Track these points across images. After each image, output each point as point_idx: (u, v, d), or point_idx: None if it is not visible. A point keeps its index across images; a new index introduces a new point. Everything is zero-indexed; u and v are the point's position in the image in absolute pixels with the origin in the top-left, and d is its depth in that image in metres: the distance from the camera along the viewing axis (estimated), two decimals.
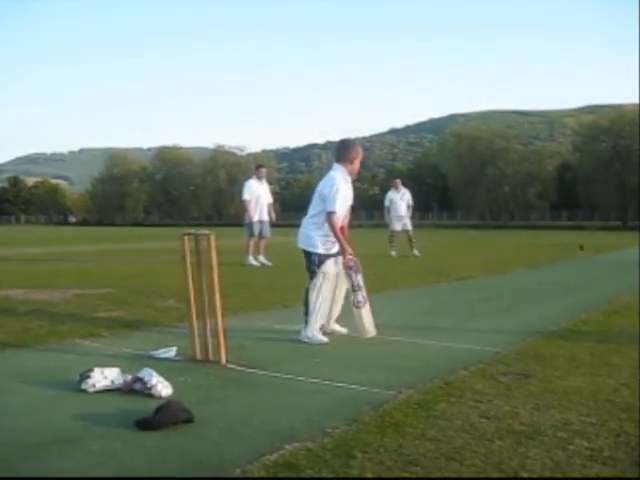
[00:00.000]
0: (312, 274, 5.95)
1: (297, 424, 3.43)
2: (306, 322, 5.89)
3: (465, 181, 73.97)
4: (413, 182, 18.36)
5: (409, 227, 17.61)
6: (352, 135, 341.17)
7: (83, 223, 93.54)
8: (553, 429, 3.29)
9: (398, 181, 18.40)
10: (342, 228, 5.99)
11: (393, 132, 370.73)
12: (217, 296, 4.84)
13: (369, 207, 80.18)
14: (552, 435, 3.21)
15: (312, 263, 5.95)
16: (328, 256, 5.95)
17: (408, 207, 17.78)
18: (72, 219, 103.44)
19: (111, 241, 29.30)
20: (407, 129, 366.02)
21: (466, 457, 2.92)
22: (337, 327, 6.19)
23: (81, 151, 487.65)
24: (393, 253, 17.29)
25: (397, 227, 17.64)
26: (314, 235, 5.97)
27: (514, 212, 73.07)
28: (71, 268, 13.61)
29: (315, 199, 6.04)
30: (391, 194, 17.96)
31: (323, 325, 6.06)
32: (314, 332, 5.80)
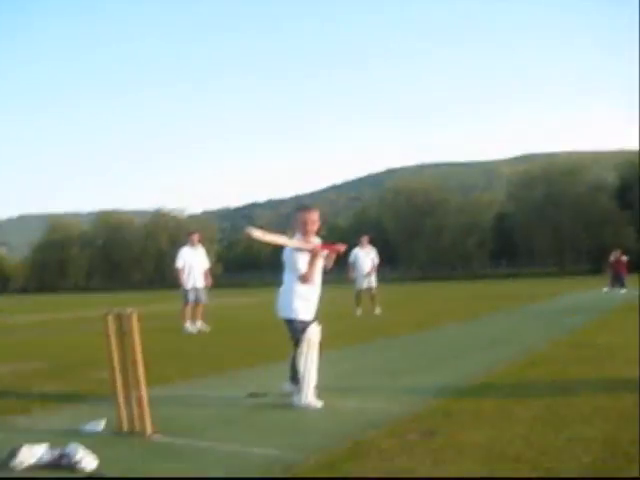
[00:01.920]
0: (296, 342, 6.05)
1: None
2: (298, 389, 5.99)
3: (405, 234, 75.12)
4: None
5: (374, 284, 17.89)
6: (293, 193, 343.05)
7: (23, 291, 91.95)
8: None
9: (365, 238, 18.46)
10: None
11: (334, 188, 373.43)
12: (140, 371, 5.07)
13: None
14: None
15: (295, 331, 6.05)
16: (310, 322, 6.09)
17: (373, 265, 17.98)
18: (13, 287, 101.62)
19: (51, 310, 29.03)
20: (347, 184, 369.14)
21: None
22: (288, 388, 6.31)
23: (19, 218, 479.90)
24: (359, 312, 17.42)
25: (363, 285, 17.87)
26: (292, 301, 6.08)
27: (455, 263, 74.20)
28: (8, 342, 13.61)
29: (285, 266, 6.20)
30: (357, 251, 18.11)
31: (287, 386, 6.29)
32: (309, 399, 5.92)
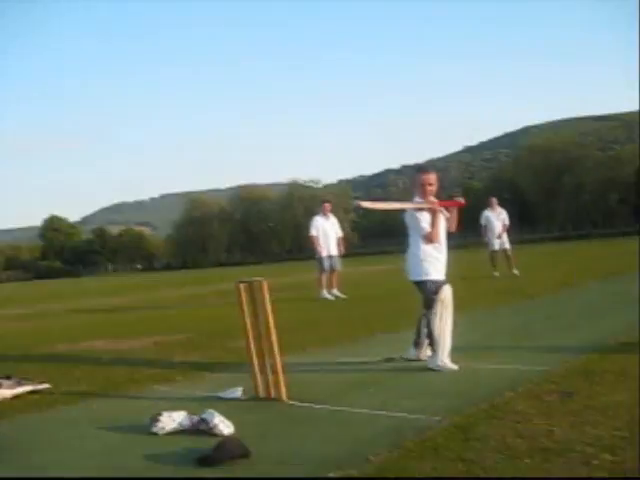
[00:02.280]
0: (429, 302, 6.03)
1: (344, 454, 3.71)
2: (433, 351, 5.98)
3: (543, 193, 73.18)
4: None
5: (507, 246, 17.73)
6: (426, 156, 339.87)
7: (167, 267, 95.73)
8: (582, 445, 3.48)
9: (494, 200, 18.42)
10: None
11: (468, 150, 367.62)
12: (273, 336, 5.16)
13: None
14: (580, 451, 3.40)
15: (428, 292, 6.03)
16: (442, 282, 6.09)
17: (504, 226, 17.92)
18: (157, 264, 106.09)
19: (193, 284, 30.07)
20: (481, 146, 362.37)
21: (491, 475, 3.15)
22: (429, 353, 6.23)
23: (162, 197, 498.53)
24: (497, 274, 17.27)
25: (496, 246, 17.78)
26: (421, 263, 6.07)
27: (597, 220, 71.69)
28: (152, 315, 14.21)
29: (409, 230, 6.21)
30: (487, 213, 18.11)
31: (418, 357, 6.31)
32: (444, 360, 5.92)
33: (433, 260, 6.06)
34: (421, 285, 6.10)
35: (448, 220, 6.29)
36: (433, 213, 6.01)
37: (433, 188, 6.13)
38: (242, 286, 5.33)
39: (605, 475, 3.06)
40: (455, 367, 5.87)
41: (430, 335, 6.03)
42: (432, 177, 6.15)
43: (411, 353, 6.41)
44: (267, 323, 5.15)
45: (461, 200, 6.33)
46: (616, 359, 5.63)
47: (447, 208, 6.29)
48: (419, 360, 6.31)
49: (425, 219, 6.02)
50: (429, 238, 6.00)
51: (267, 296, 5.12)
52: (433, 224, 6.00)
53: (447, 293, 6.05)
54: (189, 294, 21.95)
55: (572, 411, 4.14)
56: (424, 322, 6.15)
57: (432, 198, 6.12)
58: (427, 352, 6.27)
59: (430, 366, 5.95)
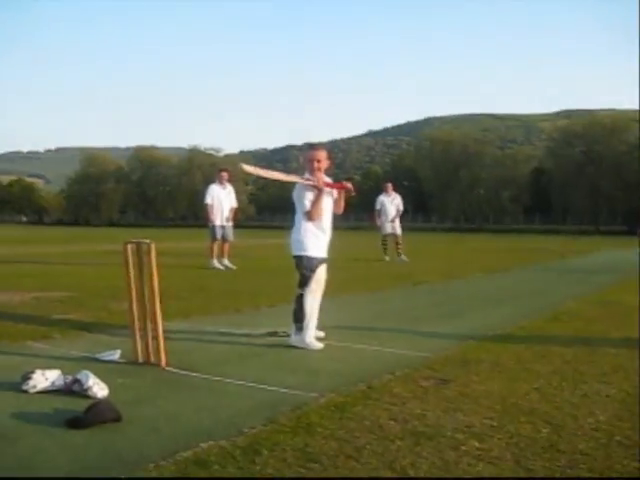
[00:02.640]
0: (304, 279, 6.00)
1: (217, 424, 3.66)
2: (298, 328, 5.96)
3: (440, 184, 74.70)
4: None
5: (398, 231, 18.01)
6: (330, 137, 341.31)
7: (58, 223, 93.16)
8: (453, 431, 3.55)
9: (389, 185, 18.73)
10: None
11: (371, 134, 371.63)
12: (157, 301, 5.05)
13: (344, 209, 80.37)
14: (450, 436, 3.46)
15: (305, 268, 6.00)
16: (321, 260, 6.07)
17: (398, 212, 18.17)
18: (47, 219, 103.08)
19: (83, 242, 29.35)
20: (385, 131, 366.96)
21: (363, 455, 3.17)
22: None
23: (58, 150, 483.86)
24: (387, 258, 17.60)
25: (388, 230, 18.01)
26: (302, 239, 6.04)
27: (488, 216, 73.72)
28: (36, 269, 13.76)
29: (295, 205, 6.16)
30: (382, 198, 18.31)
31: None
32: (311, 338, 5.92)
33: (313, 237, 6.04)
34: (297, 260, 6.07)
35: (335, 202, 6.28)
36: (317, 191, 5.99)
37: (322, 165, 6.08)
38: (130, 247, 5.19)
39: (472, 461, 3.12)
40: (321, 346, 5.90)
41: (299, 312, 5.99)
42: (321, 154, 6.10)
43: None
44: (152, 287, 5.04)
45: (349, 185, 6.31)
46: (492, 349, 5.79)
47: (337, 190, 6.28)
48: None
49: (309, 196, 6.00)
50: (309, 215, 5.99)
51: (154, 259, 5.01)
52: (314, 202, 5.99)
53: (323, 273, 6.09)
54: (77, 251, 21.40)
55: (446, 397, 4.22)
56: (296, 298, 6.11)
57: (322, 175, 6.10)
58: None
59: (295, 344, 5.93)
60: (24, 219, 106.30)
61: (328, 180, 6.20)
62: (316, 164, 6.05)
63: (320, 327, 6.18)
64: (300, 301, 6.00)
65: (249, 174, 5.79)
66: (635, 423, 3.73)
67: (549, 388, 4.49)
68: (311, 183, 6.00)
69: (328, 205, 6.18)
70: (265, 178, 6.06)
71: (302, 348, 5.85)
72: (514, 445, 3.35)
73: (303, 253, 6.02)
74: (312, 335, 5.96)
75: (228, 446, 3.28)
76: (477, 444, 3.35)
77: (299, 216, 6.12)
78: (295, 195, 6.13)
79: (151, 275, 5.02)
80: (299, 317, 5.98)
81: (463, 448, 3.29)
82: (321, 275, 6.07)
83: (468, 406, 4.03)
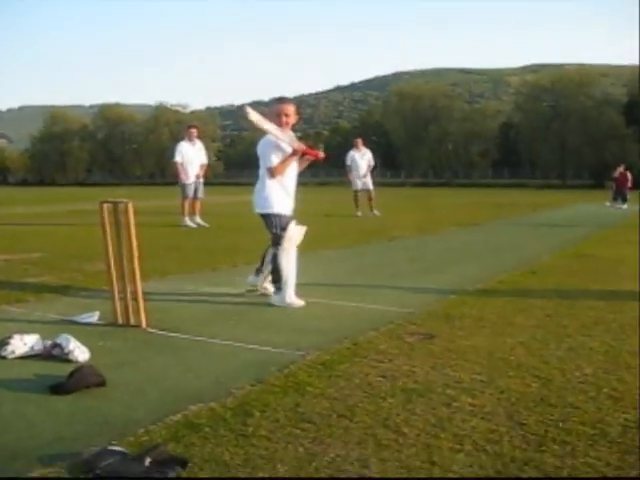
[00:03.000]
0: (276, 238, 5.87)
1: (205, 385, 3.61)
2: (277, 288, 5.87)
3: (409, 139, 74.67)
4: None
5: (370, 187, 18.01)
6: (297, 92, 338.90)
7: (23, 183, 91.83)
8: (443, 387, 3.52)
9: (359, 141, 18.73)
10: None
11: (338, 89, 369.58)
12: (135, 261, 4.96)
13: (313, 165, 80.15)
14: (441, 392, 3.44)
15: (274, 226, 5.87)
16: (289, 218, 5.93)
17: (369, 167, 18.16)
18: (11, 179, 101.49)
19: (50, 202, 28.95)
20: (352, 86, 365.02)
21: (356, 414, 3.13)
22: (269, 287, 6.20)
23: (20, 108, 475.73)
24: (359, 214, 17.55)
25: (359, 186, 18.00)
26: (267, 196, 5.88)
27: (457, 170, 73.95)
28: (3, 231, 13.53)
29: (260, 161, 5.98)
30: (352, 153, 18.31)
31: (257, 285, 6.23)
32: (291, 297, 5.83)
33: (279, 194, 5.90)
34: (265, 218, 5.94)
35: (300, 160, 6.10)
36: (293, 154, 5.85)
37: (290, 120, 5.91)
38: (106, 206, 5.08)
39: (465, 417, 3.10)
40: (302, 303, 5.83)
41: (275, 272, 5.90)
42: (290, 108, 5.92)
43: (250, 280, 6.36)
44: (130, 247, 4.94)
45: (321, 154, 6.16)
46: (474, 304, 5.78)
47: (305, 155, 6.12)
48: (255, 289, 6.28)
49: (276, 153, 5.83)
50: (272, 172, 5.82)
51: (132, 219, 4.90)
52: (284, 161, 5.83)
53: (294, 230, 5.93)
54: (44, 212, 21.09)
55: (433, 353, 4.20)
56: (269, 257, 6.04)
57: (288, 132, 5.94)
58: (267, 285, 6.21)
59: (276, 303, 5.84)
60: None
61: (293, 136, 6.03)
62: (284, 118, 5.88)
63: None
64: (275, 261, 5.91)
65: (249, 121, 5.59)
66: (621, 375, 3.73)
67: (534, 342, 4.49)
68: (295, 146, 5.87)
69: (294, 168, 6.05)
70: (261, 130, 5.86)
71: (283, 307, 5.79)
72: (505, 400, 3.34)
73: (270, 211, 5.88)
74: (292, 293, 5.88)
75: (218, 408, 3.22)
76: (469, 400, 3.33)
77: (264, 171, 5.95)
78: (261, 149, 5.93)
79: (129, 235, 4.91)
80: (277, 277, 5.90)
81: (455, 404, 3.27)
82: (292, 231, 5.93)
83: (455, 361, 4.01)
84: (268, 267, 6.13)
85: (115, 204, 5.04)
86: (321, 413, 3.15)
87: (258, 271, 6.31)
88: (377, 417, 3.10)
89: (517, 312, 5.46)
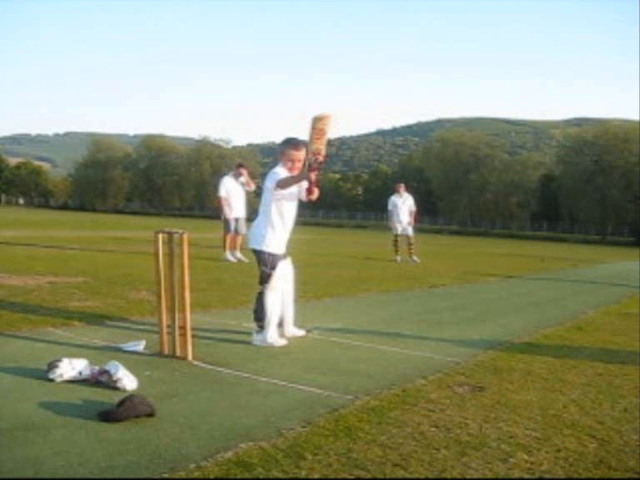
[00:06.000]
0: (265, 276, 5.83)
1: (254, 423, 3.56)
2: (259, 327, 5.82)
3: (448, 186, 74.53)
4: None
5: (410, 232, 17.89)
6: (339, 134, 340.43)
7: (64, 207, 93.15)
8: (498, 441, 3.44)
9: (401, 186, 18.59)
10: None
11: (380, 133, 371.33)
12: (187, 294, 4.96)
13: (351, 207, 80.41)
14: (496, 447, 3.36)
15: (264, 264, 5.84)
16: (280, 256, 5.89)
17: (410, 213, 18.05)
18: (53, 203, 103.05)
19: (91, 227, 29.26)
20: (394, 131, 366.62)
21: (411, 464, 3.06)
22: (295, 330, 6.19)
23: (66, 134, 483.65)
24: (398, 259, 17.44)
25: (399, 230, 17.93)
26: (265, 233, 5.85)
27: (495, 220, 73.52)
28: (48, 254, 13.67)
29: (262, 196, 5.95)
30: (394, 199, 18.22)
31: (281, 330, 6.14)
32: (274, 335, 5.78)
33: (275, 232, 5.84)
34: (258, 255, 5.89)
35: (300, 192, 5.96)
36: (299, 176, 5.74)
37: (299, 165, 5.86)
38: (161, 236, 5.09)
39: (524, 475, 3.01)
40: (285, 342, 5.78)
41: (259, 311, 5.82)
42: (301, 155, 5.84)
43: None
44: (182, 278, 4.94)
45: (316, 193, 5.84)
46: (522, 358, 5.67)
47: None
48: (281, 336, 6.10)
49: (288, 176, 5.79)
50: (281, 184, 5.71)
51: (187, 250, 4.91)
52: (293, 178, 5.74)
53: (285, 268, 5.92)
54: (85, 237, 21.30)
55: (484, 405, 4.12)
56: (257, 296, 5.93)
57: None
58: (290, 328, 6.15)
59: (257, 343, 5.74)
60: (20, 202, 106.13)
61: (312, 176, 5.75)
62: (297, 164, 5.85)
63: (298, 324, 6.21)
64: (260, 299, 5.84)
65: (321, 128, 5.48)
66: None
67: (587, 401, 4.38)
68: (303, 175, 5.72)
69: (294, 206, 5.99)
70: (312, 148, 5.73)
71: (263, 347, 5.67)
72: (563, 459, 3.24)
73: (264, 248, 5.83)
74: (275, 333, 5.80)
75: (269, 448, 3.17)
76: (525, 456, 3.24)
77: (264, 209, 5.91)
78: (268, 183, 5.84)
79: (182, 266, 4.92)
80: (260, 316, 5.83)
81: (512, 460, 3.18)
82: (283, 271, 5.89)
83: (508, 415, 3.92)
84: (291, 310, 6.12)
85: (170, 234, 5.06)
86: (374, 460, 3.08)
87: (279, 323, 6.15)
88: (432, 468, 3.03)
89: (567, 368, 5.35)
